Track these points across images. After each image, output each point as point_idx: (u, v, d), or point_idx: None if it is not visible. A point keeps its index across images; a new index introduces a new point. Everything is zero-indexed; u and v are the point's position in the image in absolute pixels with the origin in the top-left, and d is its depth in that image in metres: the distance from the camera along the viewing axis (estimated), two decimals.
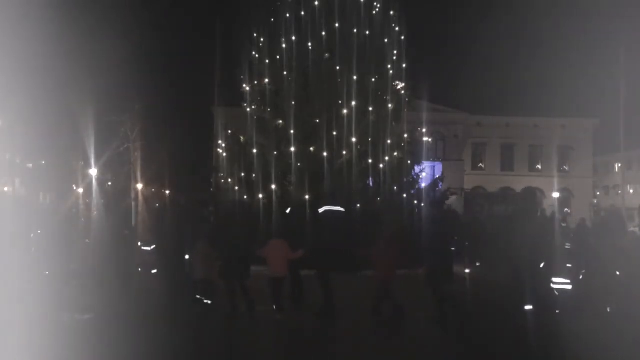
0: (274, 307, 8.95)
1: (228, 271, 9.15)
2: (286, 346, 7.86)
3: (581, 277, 9.03)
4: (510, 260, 9.19)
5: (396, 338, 8.18)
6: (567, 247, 12.08)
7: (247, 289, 9.13)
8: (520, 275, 8.88)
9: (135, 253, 10.89)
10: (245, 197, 16.80)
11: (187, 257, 9.50)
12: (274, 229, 9.96)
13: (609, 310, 8.70)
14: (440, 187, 20.33)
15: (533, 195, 9.61)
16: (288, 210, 12.35)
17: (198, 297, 9.20)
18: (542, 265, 8.72)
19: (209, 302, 9.18)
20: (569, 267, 8.96)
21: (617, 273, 9.18)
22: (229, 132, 19.06)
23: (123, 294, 9.43)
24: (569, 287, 9.01)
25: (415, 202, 17.83)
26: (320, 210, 9.15)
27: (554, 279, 8.90)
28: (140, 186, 30.27)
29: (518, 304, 8.82)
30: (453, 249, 11.99)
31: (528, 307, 8.58)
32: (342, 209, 9.20)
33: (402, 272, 10.26)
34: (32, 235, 11.04)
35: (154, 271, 10.38)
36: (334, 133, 16.92)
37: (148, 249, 10.99)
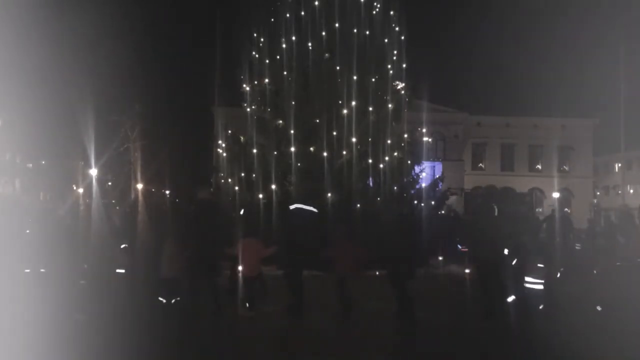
0: (247, 305, 8.99)
1: (196, 269, 9.17)
2: (260, 346, 7.76)
3: (559, 275, 9.05)
4: (472, 259, 9.32)
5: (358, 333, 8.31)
6: (577, 247, 12.11)
7: (216, 288, 9.17)
8: (481, 273, 9.02)
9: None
10: (245, 197, 16.81)
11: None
12: (245, 228, 10.00)
13: (599, 309, 8.74)
14: (440, 187, 20.32)
15: (490, 196, 9.73)
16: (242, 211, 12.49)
17: (164, 295, 9.20)
18: (513, 263, 8.84)
19: (175, 300, 9.18)
20: (540, 267, 8.99)
21: (594, 272, 9.28)
22: (229, 132, 19.03)
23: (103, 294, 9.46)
24: (541, 286, 9.03)
25: (414, 202, 17.85)
26: (292, 207, 9.13)
27: (527, 278, 8.96)
28: (140, 186, 30.27)
29: (477, 301, 8.96)
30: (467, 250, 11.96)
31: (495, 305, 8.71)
32: (314, 209, 9.21)
33: (371, 272, 10.36)
34: (20, 232, 10.99)
35: (121, 270, 10.45)
36: (334, 133, 16.90)
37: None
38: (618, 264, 10.26)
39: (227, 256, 9.51)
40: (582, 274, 9.35)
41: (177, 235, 9.45)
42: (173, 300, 9.10)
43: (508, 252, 8.81)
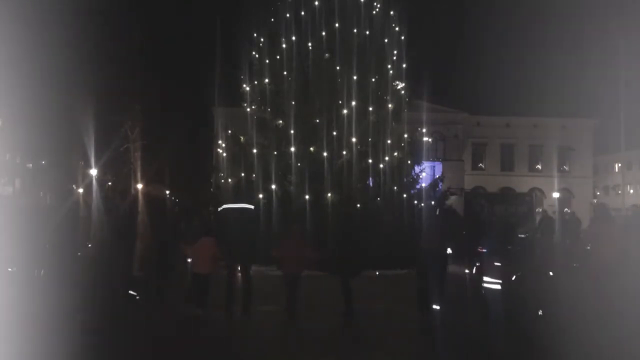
0: (195, 303, 9.10)
1: (150, 268, 9.52)
2: (203, 343, 7.75)
3: (514, 277, 9.05)
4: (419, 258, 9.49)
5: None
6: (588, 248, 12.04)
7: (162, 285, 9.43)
8: (421, 274, 9.18)
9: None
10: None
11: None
12: (203, 227, 10.16)
13: (540, 313, 8.72)
14: (440, 187, 20.31)
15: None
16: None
17: (131, 292, 9.47)
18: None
19: (138, 297, 9.43)
20: (498, 265, 9.01)
21: (551, 274, 9.27)
22: (229, 132, 19.05)
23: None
24: (498, 287, 9.05)
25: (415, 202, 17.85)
26: (220, 209, 9.20)
27: (485, 278, 9.00)
28: (140, 186, 30.25)
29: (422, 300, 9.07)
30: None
31: (435, 307, 8.81)
32: (250, 206, 9.24)
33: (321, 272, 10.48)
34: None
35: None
36: (334, 133, 16.91)
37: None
38: (575, 265, 10.23)
39: (183, 254, 9.68)
40: (538, 275, 9.34)
41: (131, 234, 9.72)
42: (135, 298, 9.43)
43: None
